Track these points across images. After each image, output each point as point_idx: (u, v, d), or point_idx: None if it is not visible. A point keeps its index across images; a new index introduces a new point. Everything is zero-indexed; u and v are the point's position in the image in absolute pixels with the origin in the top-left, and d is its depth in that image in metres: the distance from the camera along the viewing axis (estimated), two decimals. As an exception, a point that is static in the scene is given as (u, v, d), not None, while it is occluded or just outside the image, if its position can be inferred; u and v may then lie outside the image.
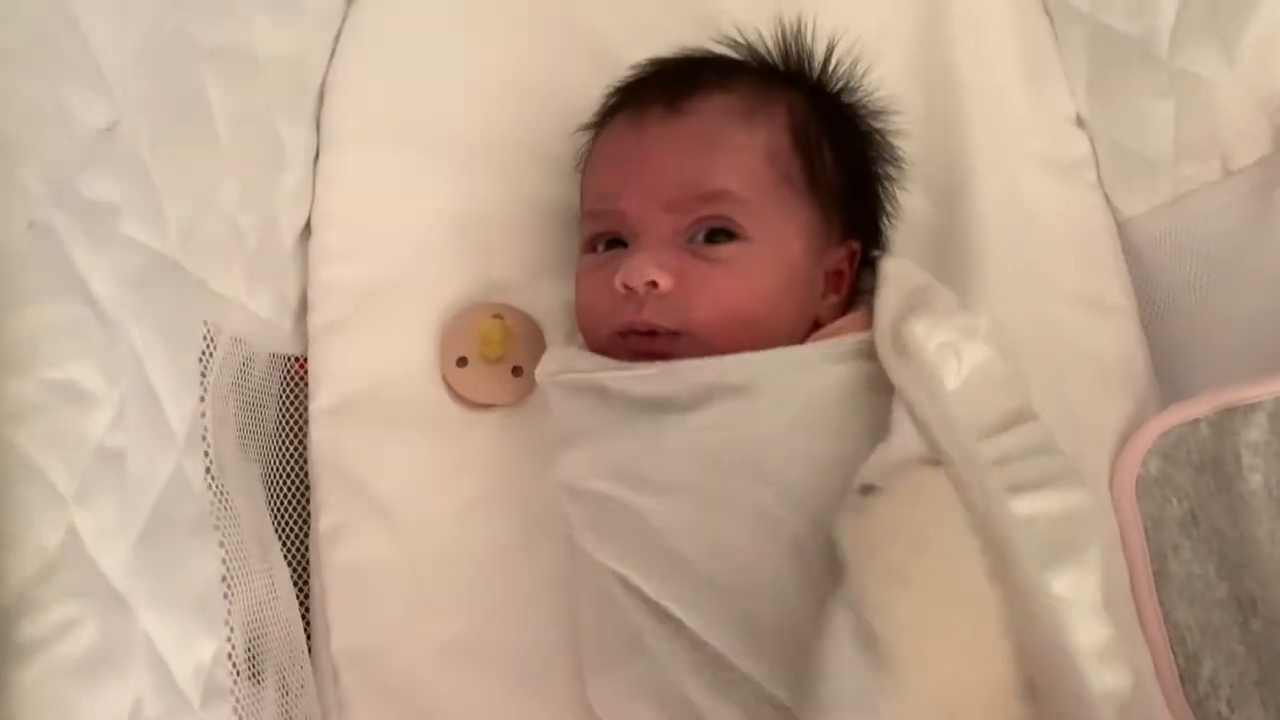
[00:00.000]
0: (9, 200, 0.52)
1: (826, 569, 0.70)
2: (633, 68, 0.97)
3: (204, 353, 0.78)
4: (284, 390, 0.99)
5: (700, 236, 0.84)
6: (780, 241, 0.85)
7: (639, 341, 0.84)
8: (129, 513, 0.60)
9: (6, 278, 0.51)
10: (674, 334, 0.83)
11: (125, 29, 0.65)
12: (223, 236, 0.82)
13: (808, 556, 0.73)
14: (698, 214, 0.84)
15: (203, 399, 0.76)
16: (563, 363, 0.89)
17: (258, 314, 0.91)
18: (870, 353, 0.80)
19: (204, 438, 0.77)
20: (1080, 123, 1.08)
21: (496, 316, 0.99)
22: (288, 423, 0.98)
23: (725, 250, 0.84)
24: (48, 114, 0.56)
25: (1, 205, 0.52)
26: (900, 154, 0.98)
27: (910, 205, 1.02)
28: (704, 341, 0.82)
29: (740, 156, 0.86)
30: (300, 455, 0.98)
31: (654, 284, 0.82)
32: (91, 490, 0.55)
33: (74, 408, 0.55)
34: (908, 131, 0.99)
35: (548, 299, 1.01)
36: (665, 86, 0.90)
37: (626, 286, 0.83)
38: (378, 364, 0.98)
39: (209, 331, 0.79)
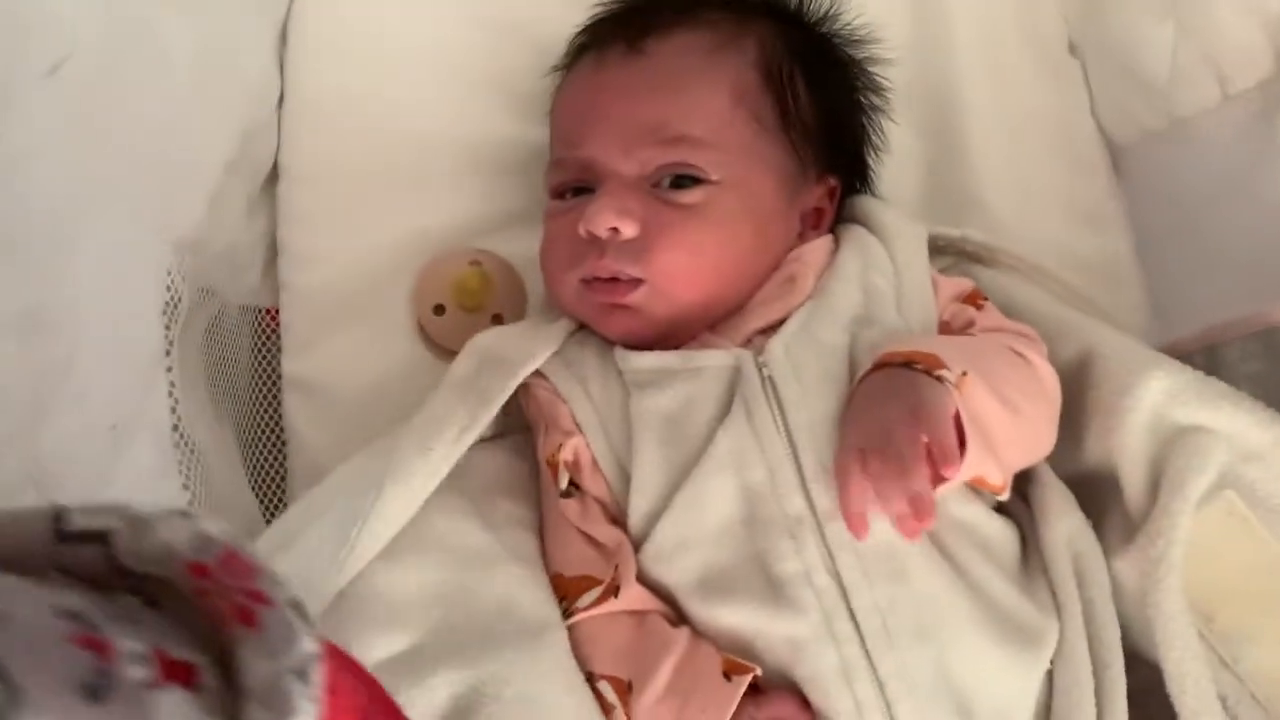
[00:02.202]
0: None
1: None
2: (597, 5, 0.93)
3: (168, 305, 0.75)
4: (256, 344, 0.95)
5: (666, 182, 0.81)
6: (749, 184, 0.82)
7: (601, 289, 0.81)
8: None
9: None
10: (637, 281, 0.79)
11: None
12: (190, 179, 0.78)
13: None
14: (661, 160, 0.81)
15: (168, 353, 0.73)
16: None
17: (224, 263, 0.88)
18: None
19: (171, 394, 0.74)
20: (1072, 49, 1.06)
21: (474, 263, 0.95)
22: (262, 378, 0.95)
23: (691, 195, 0.80)
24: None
25: None
26: (886, 83, 0.94)
27: (897, 134, 0.98)
28: (666, 290, 0.79)
29: (704, 97, 0.82)
30: (275, 411, 0.95)
31: (616, 230, 0.79)
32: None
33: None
34: (894, 60, 0.95)
35: (526, 245, 0.97)
36: (627, 25, 0.87)
37: (589, 233, 0.80)
38: (350, 317, 0.95)
39: (173, 282, 0.76)
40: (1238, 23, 0.85)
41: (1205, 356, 0.89)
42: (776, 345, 0.76)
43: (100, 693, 0.31)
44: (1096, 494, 0.79)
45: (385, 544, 0.71)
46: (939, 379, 0.68)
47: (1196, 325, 0.90)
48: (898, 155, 0.98)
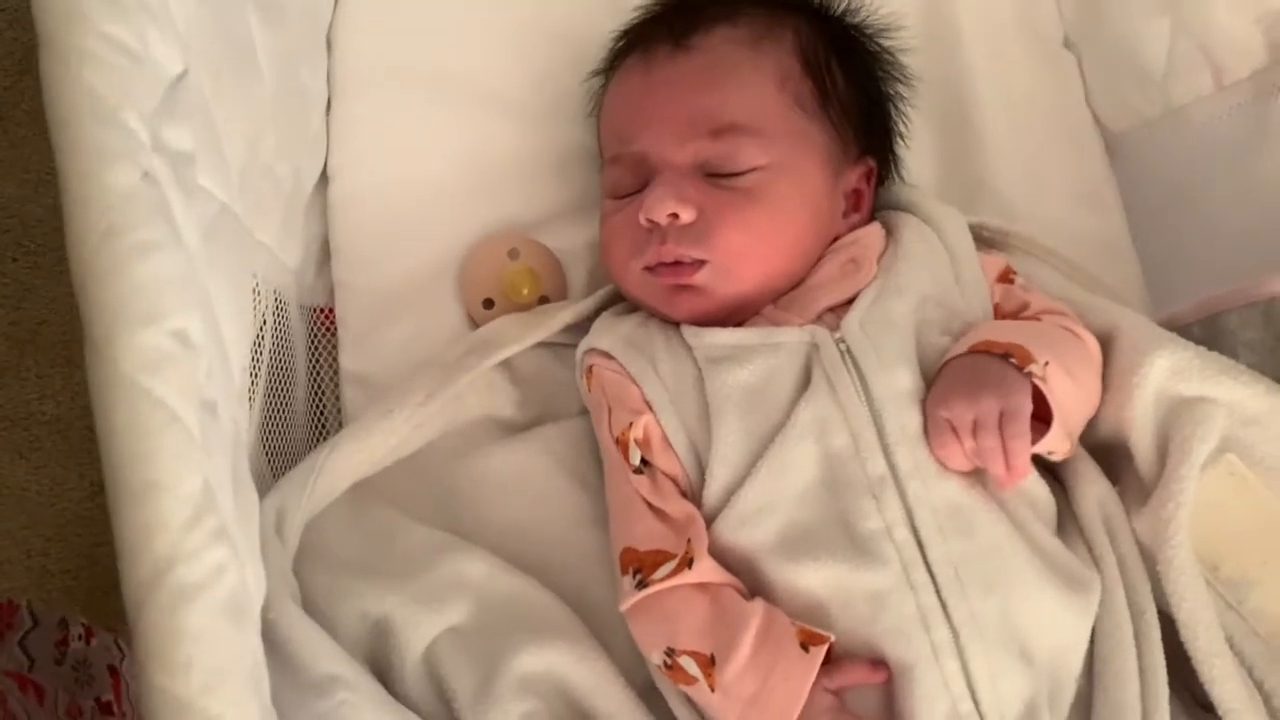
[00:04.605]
0: (119, 143, 0.51)
1: None
2: (636, 10, 0.97)
3: (253, 305, 0.78)
4: (311, 342, 0.98)
5: (720, 169, 0.86)
6: (797, 165, 0.87)
7: (666, 273, 0.86)
8: (226, 465, 0.61)
9: (128, 227, 0.50)
10: (700, 262, 0.85)
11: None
12: (265, 185, 0.81)
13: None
14: (714, 148, 0.86)
15: (251, 353, 0.76)
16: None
17: (288, 264, 0.91)
18: None
19: (250, 391, 0.77)
20: (1067, 43, 1.12)
21: (512, 252, 0.99)
22: (318, 374, 0.98)
23: (744, 180, 0.86)
24: (137, 57, 0.54)
25: (113, 148, 0.51)
26: (910, 73, 0.99)
27: (911, 123, 1.02)
28: (729, 269, 0.85)
29: (750, 85, 0.88)
30: (333, 406, 0.98)
31: (675, 216, 0.84)
32: (208, 440, 0.55)
33: (190, 358, 0.54)
34: (913, 48, 1.00)
35: (567, 240, 1.02)
36: (670, 25, 0.91)
37: (650, 221, 0.85)
38: (403, 312, 0.98)
39: (257, 284, 0.79)
40: (1233, 17, 0.92)
41: (1205, 326, 0.96)
42: (852, 321, 0.82)
43: None
44: (1111, 461, 0.86)
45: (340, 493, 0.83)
46: (1028, 374, 0.76)
47: (1193, 297, 0.97)
48: (911, 143, 1.03)
